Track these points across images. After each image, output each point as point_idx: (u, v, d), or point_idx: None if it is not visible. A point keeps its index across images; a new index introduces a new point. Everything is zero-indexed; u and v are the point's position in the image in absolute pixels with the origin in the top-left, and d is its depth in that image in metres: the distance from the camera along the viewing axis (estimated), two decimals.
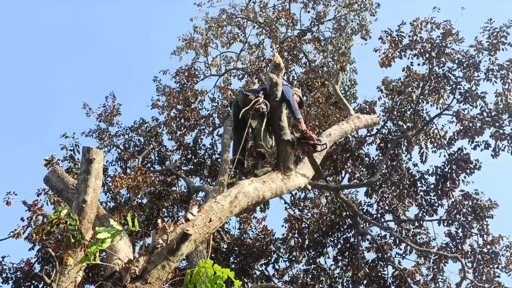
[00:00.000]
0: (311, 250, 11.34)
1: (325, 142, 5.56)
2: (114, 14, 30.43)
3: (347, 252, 11.16)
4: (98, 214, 4.24)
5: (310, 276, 11.26)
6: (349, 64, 12.11)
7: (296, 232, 11.61)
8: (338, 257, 11.24)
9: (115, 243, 4.11)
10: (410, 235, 11.11)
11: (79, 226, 3.53)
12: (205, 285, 3.53)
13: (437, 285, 10.53)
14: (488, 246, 10.41)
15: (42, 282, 9.10)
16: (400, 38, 10.69)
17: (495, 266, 10.21)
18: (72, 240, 3.43)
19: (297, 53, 12.45)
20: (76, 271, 3.59)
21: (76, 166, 8.74)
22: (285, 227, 11.85)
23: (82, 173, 3.96)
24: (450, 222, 10.83)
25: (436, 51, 10.42)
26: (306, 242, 11.38)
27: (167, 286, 3.79)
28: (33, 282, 9.33)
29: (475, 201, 10.69)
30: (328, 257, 11.43)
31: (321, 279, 11.22)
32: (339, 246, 11.34)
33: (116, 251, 4.09)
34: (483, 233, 10.49)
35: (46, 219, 3.55)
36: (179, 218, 10.47)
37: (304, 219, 11.85)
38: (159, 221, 3.80)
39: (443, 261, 10.47)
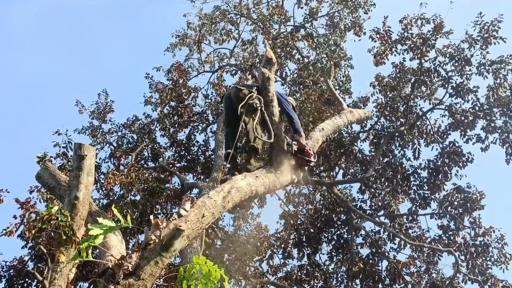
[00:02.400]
0: (305, 246, 11.36)
1: (316, 159, 5.60)
2: (107, 11, 30.27)
3: (341, 248, 11.19)
4: (90, 211, 4.21)
5: (304, 272, 11.28)
6: (344, 60, 12.11)
7: (292, 228, 11.62)
8: (333, 253, 11.28)
9: (107, 240, 4.09)
10: (403, 229, 11.17)
11: (70, 223, 3.50)
12: (200, 281, 3.52)
13: (431, 277, 10.57)
14: (480, 238, 10.47)
15: (35, 280, 9.06)
16: (388, 34, 10.75)
17: (487, 258, 10.27)
18: (64, 237, 3.41)
19: (290, 49, 12.44)
20: (69, 268, 3.56)
21: (69, 163, 8.70)
22: (280, 223, 11.88)
23: (74, 170, 3.92)
24: (442, 215, 10.90)
25: (426, 45, 10.47)
26: (302, 238, 11.40)
27: (161, 282, 3.79)
28: (26, 280, 9.29)
29: (466, 194, 10.76)
30: (322, 253, 11.48)
31: (315, 274, 11.24)
32: (333, 242, 11.38)
33: (108, 247, 4.07)
34: (475, 226, 10.56)
35: (38, 216, 3.52)
36: (172, 214, 10.46)
37: (299, 215, 11.84)
38: (152, 217, 3.78)
39: (436, 255, 10.53)
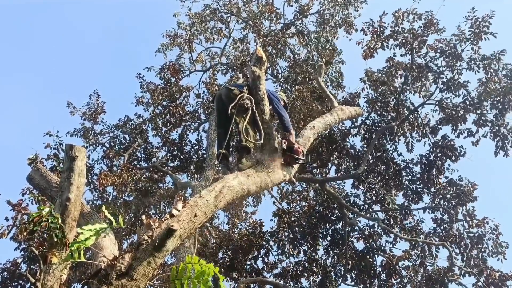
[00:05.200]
0: (302, 242, 11.39)
1: (304, 157, 5.63)
2: (98, 10, 30.10)
3: (336, 244, 11.23)
4: (82, 212, 4.20)
5: (301, 268, 11.29)
6: (335, 57, 12.13)
7: (286, 225, 11.64)
8: (329, 248, 11.32)
9: (100, 241, 4.09)
10: (398, 220, 11.21)
11: (61, 225, 3.50)
12: (192, 281, 3.53)
13: (426, 270, 10.62)
14: (474, 230, 10.51)
15: (28, 282, 9.03)
16: (381, 29, 10.77)
17: (482, 250, 10.32)
18: (55, 239, 3.40)
19: (281, 47, 12.46)
20: (61, 270, 3.56)
21: (60, 164, 8.66)
22: (274, 221, 11.90)
23: (65, 171, 3.90)
24: (435, 209, 10.96)
25: (418, 41, 10.51)
26: (297, 235, 11.43)
27: (154, 282, 3.79)
28: (20, 281, 9.27)
29: (459, 186, 10.82)
30: (319, 249, 11.51)
31: (313, 270, 11.26)
32: (328, 237, 11.42)
33: (101, 248, 4.06)
34: (468, 219, 10.62)
35: (29, 217, 3.51)
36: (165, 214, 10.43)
37: (293, 213, 11.86)
38: (144, 217, 3.78)
39: (433, 248, 10.57)
